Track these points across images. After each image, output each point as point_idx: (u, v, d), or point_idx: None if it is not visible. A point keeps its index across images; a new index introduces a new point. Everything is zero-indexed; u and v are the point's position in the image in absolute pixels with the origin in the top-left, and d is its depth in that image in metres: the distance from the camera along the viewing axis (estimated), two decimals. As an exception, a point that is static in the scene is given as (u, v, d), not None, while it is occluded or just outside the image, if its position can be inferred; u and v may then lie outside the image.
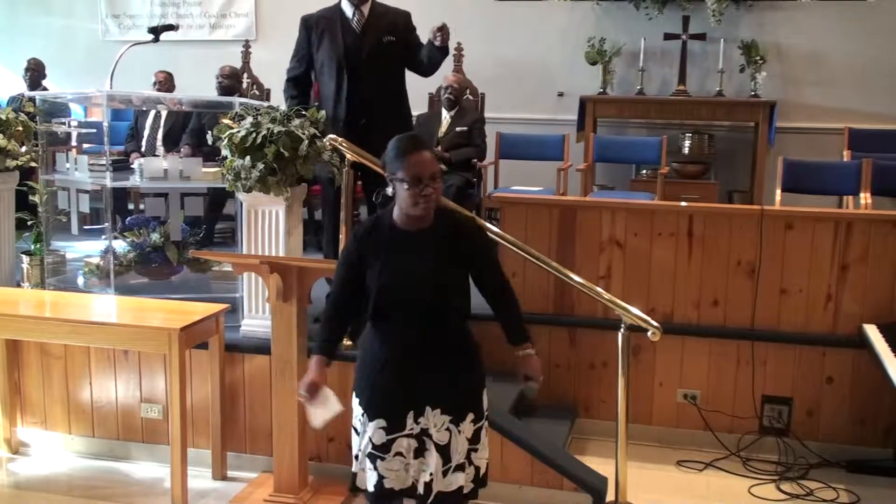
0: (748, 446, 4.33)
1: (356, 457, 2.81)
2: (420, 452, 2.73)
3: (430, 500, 2.72)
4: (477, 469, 2.80)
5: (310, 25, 4.48)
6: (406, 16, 4.54)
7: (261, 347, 3.97)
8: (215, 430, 4.04)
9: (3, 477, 4.16)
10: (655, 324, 3.46)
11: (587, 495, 3.72)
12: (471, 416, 2.76)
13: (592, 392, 4.51)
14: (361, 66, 4.38)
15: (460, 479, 2.75)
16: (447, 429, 2.72)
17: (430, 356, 2.73)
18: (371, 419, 2.74)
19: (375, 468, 2.74)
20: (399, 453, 2.72)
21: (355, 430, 2.82)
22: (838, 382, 4.26)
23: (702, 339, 4.37)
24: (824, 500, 3.91)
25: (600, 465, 3.95)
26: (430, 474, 2.71)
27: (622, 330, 3.46)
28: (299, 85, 4.59)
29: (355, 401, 2.81)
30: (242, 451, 4.13)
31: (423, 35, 4.48)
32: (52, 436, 4.35)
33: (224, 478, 4.07)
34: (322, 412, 2.80)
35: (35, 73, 7.40)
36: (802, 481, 4.06)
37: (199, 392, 4.07)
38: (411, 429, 2.72)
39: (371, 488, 2.77)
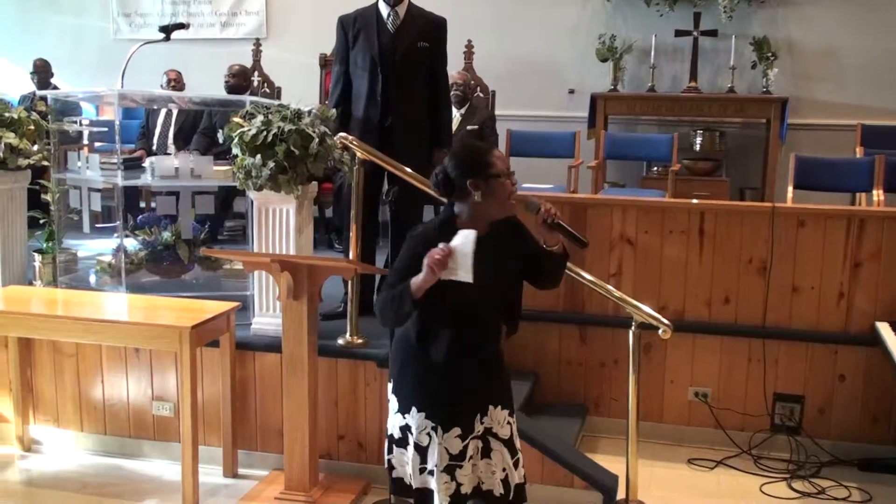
0: (759, 444, 4.31)
1: (430, 472, 2.71)
2: (486, 453, 2.74)
3: (511, 496, 2.75)
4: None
5: (346, 25, 4.46)
6: (441, 23, 4.48)
7: (271, 345, 3.98)
8: (226, 428, 4.05)
9: (15, 474, 4.18)
10: (666, 321, 3.45)
11: (598, 493, 3.71)
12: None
13: (603, 390, 4.50)
14: (394, 67, 4.36)
15: (522, 473, 2.80)
16: (508, 423, 2.77)
17: (486, 357, 2.75)
18: (446, 430, 2.69)
19: (454, 478, 2.71)
20: (471, 457, 2.72)
21: (418, 447, 2.72)
22: (850, 380, 4.24)
23: (713, 337, 4.35)
24: (836, 499, 3.90)
25: (611, 462, 3.94)
26: (503, 470, 2.74)
27: (633, 328, 3.45)
28: (343, 86, 4.50)
29: (416, 416, 2.70)
30: (253, 449, 4.14)
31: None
32: (64, 433, 4.37)
33: (235, 475, 4.08)
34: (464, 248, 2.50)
35: (42, 74, 7.39)
36: (814, 479, 4.05)
37: (210, 390, 4.08)
38: (478, 431, 2.72)
39: (447, 500, 2.71)
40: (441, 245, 2.51)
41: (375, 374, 3.93)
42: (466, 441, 2.71)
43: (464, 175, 2.63)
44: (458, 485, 2.72)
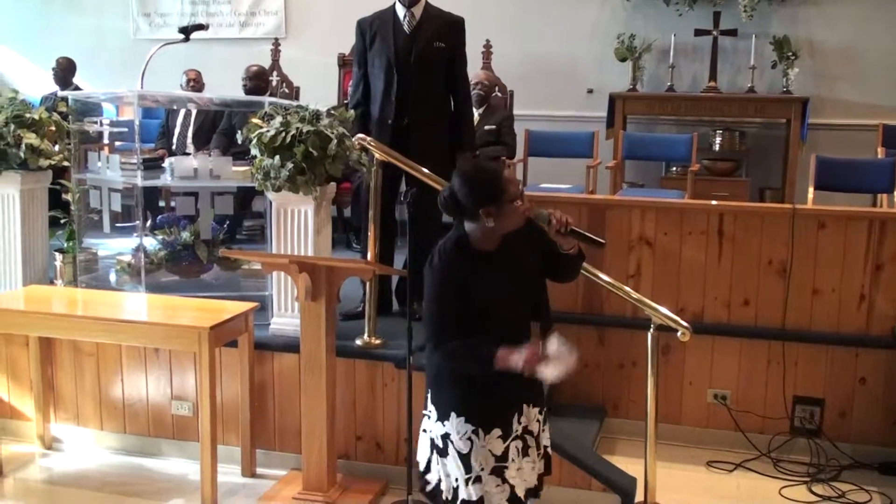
0: (779, 447, 4.29)
1: (477, 479, 2.67)
2: (526, 451, 2.75)
3: (541, 489, 2.82)
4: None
5: (364, 28, 4.49)
6: (458, 23, 4.49)
7: (290, 346, 3.99)
8: (245, 428, 4.06)
9: (36, 472, 4.22)
10: (685, 324, 3.43)
11: (616, 496, 3.71)
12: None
13: (622, 391, 4.49)
14: (410, 68, 4.37)
15: (544, 465, 2.86)
16: (537, 420, 2.78)
17: None
18: (487, 431, 2.67)
19: (505, 480, 2.69)
20: (513, 458, 2.71)
21: (461, 455, 2.67)
22: (871, 383, 4.21)
23: (732, 339, 4.33)
24: (856, 503, 3.87)
25: (629, 464, 3.93)
26: (534, 467, 2.77)
27: (651, 330, 3.44)
28: (362, 87, 4.53)
29: (455, 422, 2.67)
30: (272, 449, 4.16)
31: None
32: (84, 432, 4.40)
33: (253, 475, 4.10)
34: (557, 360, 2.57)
35: (64, 72, 7.44)
36: (834, 483, 4.03)
37: (229, 390, 4.10)
38: (516, 430, 2.72)
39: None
40: (538, 353, 2.51)
41: (393, 374, 3.94)
42: (508, 442, 2.70)
43: (477, 203, 2.57)
44: (512, 487, 2.70)
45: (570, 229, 2.64)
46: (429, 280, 2.67)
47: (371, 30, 4.46)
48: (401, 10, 4.42)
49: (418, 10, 4.42)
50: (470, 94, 4.75)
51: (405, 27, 4.41)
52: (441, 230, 4.96)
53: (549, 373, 2.53)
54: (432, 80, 4.43)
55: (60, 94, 5.59)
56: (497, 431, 2.68)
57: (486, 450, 2.67)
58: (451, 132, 4.50)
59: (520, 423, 2.72)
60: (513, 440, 2.71)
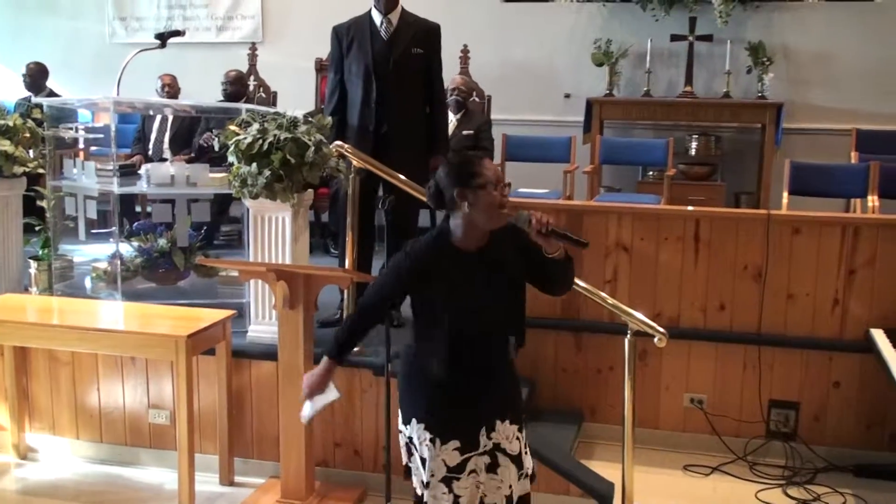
0: (755, 451, 4.32)
1: (426, 485, 2.71)
2: (493, 468, 2.70)
3: None
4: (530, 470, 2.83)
5: (340, 34, 4.49)
6: (434, 29, 4.52)
7: (267, 353, 3.98)
8: (222, 436, 4.05)
9: (11, 482, 4.18)
10: (661, 329, 3.44)
11: (594, 501, 3.72)
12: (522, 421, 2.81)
13: (599, 396, 4.51)
14: (388, 75, 4.39)
15: (527, 485, 2.78)
16: (517, 437, 2.73)
17: (493, 372, 2.71)
18: (444, 442, 2.68)
19: (451, 490, 2.70)
20: (473, 471, 2.70)
21: (422, 459, 2.72)
22: (845, 387, 4.25)
23: (708, 344, 4.36)
24: (831, 506, 3.92)
25: (607, 469, 3.96)
26: (510, 486, 2.70)
27: (629, 335, 3.45)
28: (338, 94, 4.53)
29: (416, 427, 2.71)
30: (250, 457, 4.14)
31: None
32: (59, 441, 4.37)
33: (231, 483, 4.08)
34: (319, 401, 2.91)
35: (35, 78, 7.28)
36: (809, 486, 4.06)
37: (207, 398, 4.08)
38: (485, 446, 2.69)
39: None
40: (304, 392, 2.90)
41: (371, 381, 3.94)
42: (467, 455, 2.69)
43: (451, 185, 2.59)
44: (457, 497, 2.70)
45: (550, 229, 2.56)
46: (393, 260, 2.74)
47: (348, 36, 4.45)
48: (377, 17, 4.43)
49: (395, 17, 4.43)
50: (444, 100, 4.78)
51: (382, 34, 4.42)
52: (417, 234, 5.03)
53: (305, 410, 2.95)
54: (410, 86, 4.44)
55: (35, 99, 5.54)
56: (455, 443, 2.68)
57: (440, 459, 2.68)
58: (427, 137, 4.52)
59: (490, 438, 2.69)
60: (478, 455, 2.69)
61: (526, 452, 2.79)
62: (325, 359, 2.86)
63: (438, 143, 4.55)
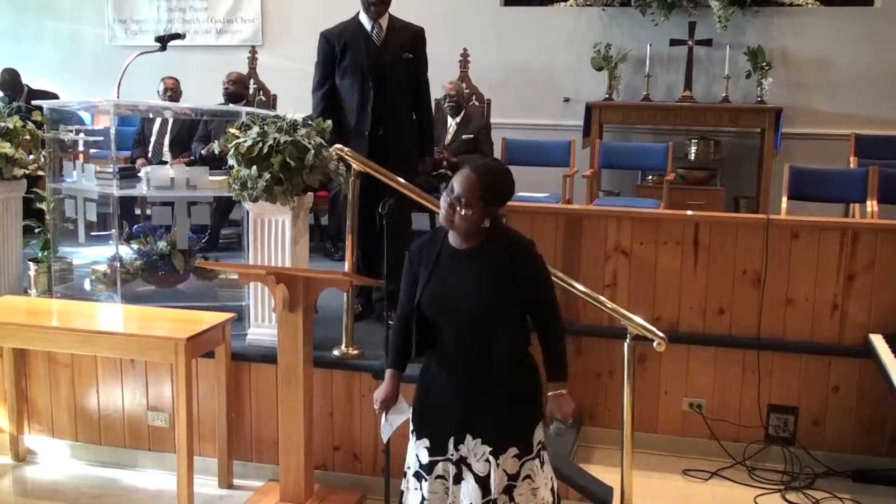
0: (754, 455, 4.32)
1: (404, 474, 2.80)
2: (458, 479, 2.68)
3: None
4: None
5: (331, 40, 4.54)
6: (421, 33, 4.61)
7: (267, 356, 3.98)
8: (222, 439, 4.04)
9: (9, 485, 4.17)
10: (660, 334, 3.46)
11: (593, 505, 3.72)
12: (513, 451, 2.66)
13: (598, 400, 4.51)
14: (383, 79, 4.47)
15: None
16: (486, 460, 2.64)
17: (475, 383, 2.66)
18: (417, 438, 2.74)
19: (420, 488, 2.73)
20: (441, 476, 2.70)
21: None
22: (844, 392, 4.25)
23: (707, 348, 4.36)
24: (830, 510, 3.92)
25: (606, 473, 3.96)
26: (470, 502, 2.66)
27: (628, 340, 3.46)
28: (328, 98, 4.59)
29: (409, 413, 2.83)
30: (248, 460, 4.14)
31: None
32: (58, 443, 4.36)
33: (230, 486, 4.08)
34: (394, 420, 2.94)
35: (9, 84, 7.21)
36: (808, 491, 4.06)
37: (206, 400, 4.08)
38: (451, 454, 2.68)
39: None
40: (376, 408, 2.93)
41: (371, 385, 3.93)
42: (435, 458, 2.71)
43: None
44: (423, 498, 2.72)
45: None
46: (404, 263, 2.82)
47: (340, 41, 4.51)
48: (367, 22, 4.50)
49: (385, 22, 4.52)
50: (430, 102, 4.86)
51: (374, 39, 4.49)
52: (412, 236, 5.08)
53: (384, 427, 2.98)
54: (402, 89, 4.54)
55: (38, 102, 5.52)
56: (425, 441, 2.73)
57: (415, 453, 2.76)
58: (417, 139, 4.66)
59: (457, 449, 2.67)
60: (445, 461, 2.70)
61: (510, 486, 2.66)
62: (387, 370, 2.92)
63: (425, 146, 4.72)
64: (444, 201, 2.63)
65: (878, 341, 4.01)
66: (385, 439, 3.11)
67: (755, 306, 4.28)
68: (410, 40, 4.55)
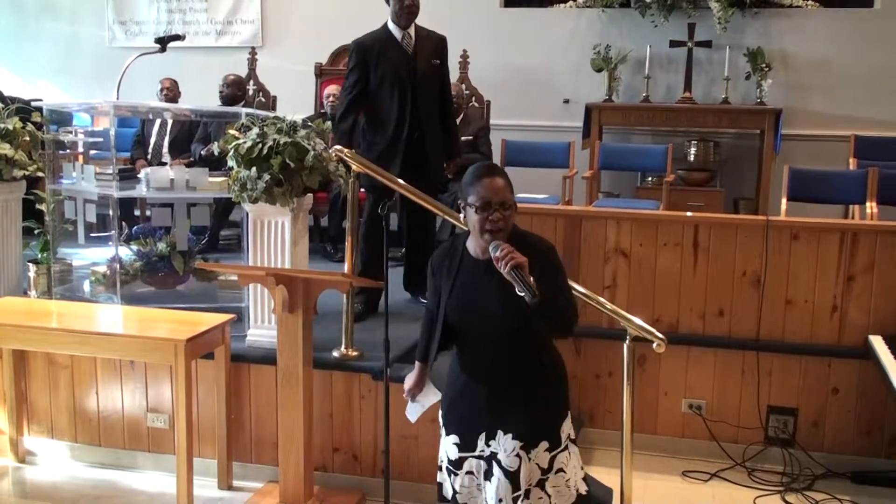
0: (753, 457, 4.33)
1: (440, 467, 2.85)
2: (489, 475, 2.69)
3: None
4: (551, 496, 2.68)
5: (366, 49, 4.65)
6: (444, 40, 4.82)
7: (266, 357, 3.97)
8: (221, 440, 4.04)
9: (9, 485, 4.17)
10: (660, 335, 3.44)
11: (592, 506, 3.71)
12: (545, 445, 2.66)
13: (598, 402, 4.51)
14: (417, 86, 4.64)
15: None
16: (517, 455, 2.64)
17: (501, 383, 2.68)
18: (447, 434, 2.78)
19: (452, 483, 2.77)
20: (470, 472, 2.73)
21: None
22: (844, 393, 4.25)
23: (707, 350, 4.37)
24: (830, 512, 3.92)
25: (605, 474, 3.95)
26: (500, 501, 2.65)
27: (627, 341, 3.45)
28: (356, 103, 4.70)
29: (441, 412, 2.86)
30: (248, 461, 4.14)
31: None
32: (58, 445, 4.36)
33: (230, 487, 4.07)
34: (425, 400, 3.06)
35: None
36: (808, 492, 4.06)
37: (205, 402, 4.08)
38: (482, 451, 2.70)
39: (449, 499, 2.82)
40: (406, 397, 3.07)
41: (370, 386, 3.93)
42: (463, 455, 2.73)
43: (461, 194, 2.68)
44: (455, 492, 2.76)
45: (507, 269, 2.45)
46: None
47: (373, 51, 4.63)
48: (397, 32, 4.63)
49: (412, 31, 4.67)
50: (453, 106, 5.08)
51: (406, 47, 4.64)
52: (435, 233, 5.23)
53: (412, 407, 3.08)
54: (433, 95, 4.74)
55: (38, 104, 5.53)
56: (453, 438, 2.75)
57: (444, 449, 2.79)
58: (446, 142, 4.85)
59: (488, 445, 2.68)
60: (475, 457, 2.72)
61: (543, 479, 2.66)
62: (416, 364, 3.02)
63: (452, 149, 4.89)
64: (479, 219, 2.54)
65: (878, 343, 4.01)
66: (413, 420, 3.15)
67: (755, 308, 4.28)
68: (436, 48, 4.75)
